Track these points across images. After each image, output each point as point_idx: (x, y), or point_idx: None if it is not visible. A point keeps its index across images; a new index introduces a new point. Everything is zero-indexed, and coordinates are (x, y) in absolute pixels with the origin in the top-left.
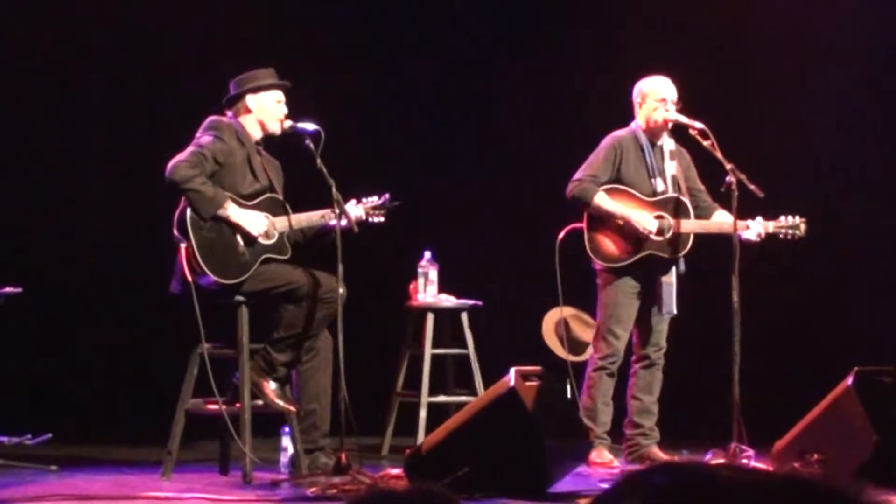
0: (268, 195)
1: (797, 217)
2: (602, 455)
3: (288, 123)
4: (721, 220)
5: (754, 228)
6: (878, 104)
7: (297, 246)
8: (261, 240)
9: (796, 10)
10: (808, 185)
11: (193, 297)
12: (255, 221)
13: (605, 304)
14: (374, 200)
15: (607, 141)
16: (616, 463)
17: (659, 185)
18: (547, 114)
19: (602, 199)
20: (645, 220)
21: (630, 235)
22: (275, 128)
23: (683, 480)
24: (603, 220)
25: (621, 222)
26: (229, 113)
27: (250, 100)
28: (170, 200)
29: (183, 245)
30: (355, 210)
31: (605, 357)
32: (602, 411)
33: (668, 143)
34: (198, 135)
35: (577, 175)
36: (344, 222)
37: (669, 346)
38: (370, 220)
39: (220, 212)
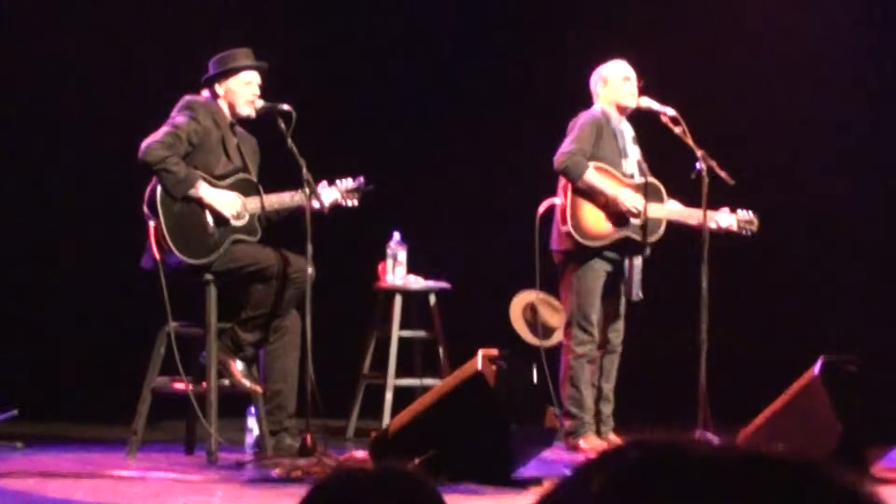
0: (240, 176)
1: (750, 212)
2: (591, 441)
3: (260, 103)
4: (676, 207)
5: (725, 220)
6: (844, 93)
7: (270, 225)
8: (232, 220)
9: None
10: (778, 174)
11: (161, 276)
12: (227, 201)
13: (577, 290)
14: (349, 183)
15: (587, 117)
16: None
17: (627, 168)
18: (518, 95)
19: (592, 175)
20: (633, 199)
21: (611, 215)
22: (245, 111)
23: (654, 457)
24: (587, 197)
25: (605, 200)
26: (205, 92)
27: (219, 84)
28: (142, 176)
29: (152, 223)
30: (330, 193)
31: (582, 344)
32: (587, 396)
33: (628, 128)
34: (172, 114)
35: (567, 148)
36: (315, 204)
37: (636, 332)
38: (345, 203)
39: (192, 192)
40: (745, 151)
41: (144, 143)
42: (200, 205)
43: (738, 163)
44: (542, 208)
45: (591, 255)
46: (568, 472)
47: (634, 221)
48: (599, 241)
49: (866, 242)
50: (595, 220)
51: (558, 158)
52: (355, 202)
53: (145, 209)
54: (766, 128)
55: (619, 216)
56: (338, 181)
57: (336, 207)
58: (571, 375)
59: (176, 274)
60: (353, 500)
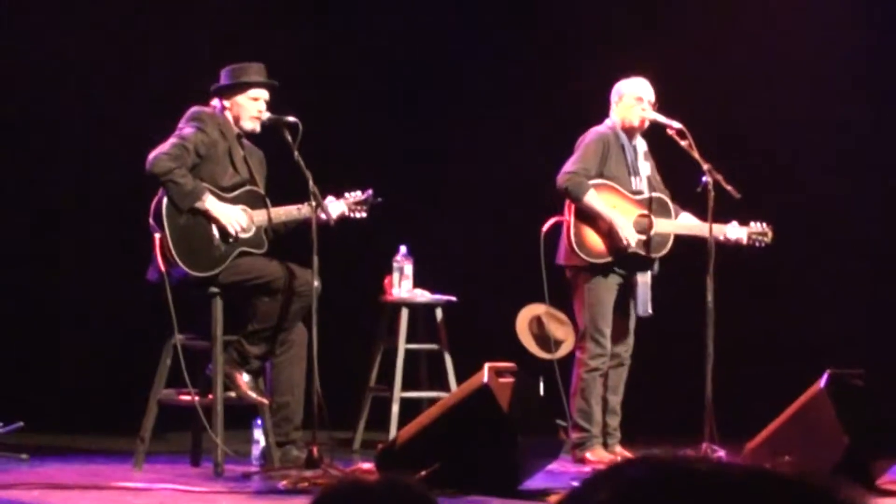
0: (247, 188)
1: (764, 224)
2: (598, 454)
3: (267, 115)
4: (690, 221)
5: (734, 232)
6: (844, 93)
7: (277, 238)
8: (239, 234)
9: (774, 12)
10: (783, 186)
11: (167, 288)
12: (233, 215)
13: (589, 303)
14: (357, 196)
15: (594, 135)
16: (619, 459)
17: (637, 184)
18: (525, 108)
19: (592, 198)
20: (627, 230)
21: (613, 236)
22: (249, 126)
23: (659, 473)
24: (589, 216)
25: (605, 223)
26: (214, 102)
27: (227, 97)
28: (149, 188)
29: (157, 235)
30: (337, 206)
31: (595, 357)
32: (596, 411)
33: (641, 143)
34: (180, 125)
35: (570, 167)
36: (322, 216)
37: (643, 345)
38: (352, 215)
39: (199, 204)
40: (746, 152)
41: (152, 155)
42: (206, 217)
43: (739, 163)
44: (546, 227)
45: (600, 269)
46: (575, 485)
47: (640, 236)
48: (603, 258)
49: (871, 247)
50: (597, 240)
51: (560, 178)
52: (363, 214)
53: (151, 222)
54: (766, 128)
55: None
56: (346, 194)
57: (343, 220)
58: (583, 388)
59: (181, 286)
60: None
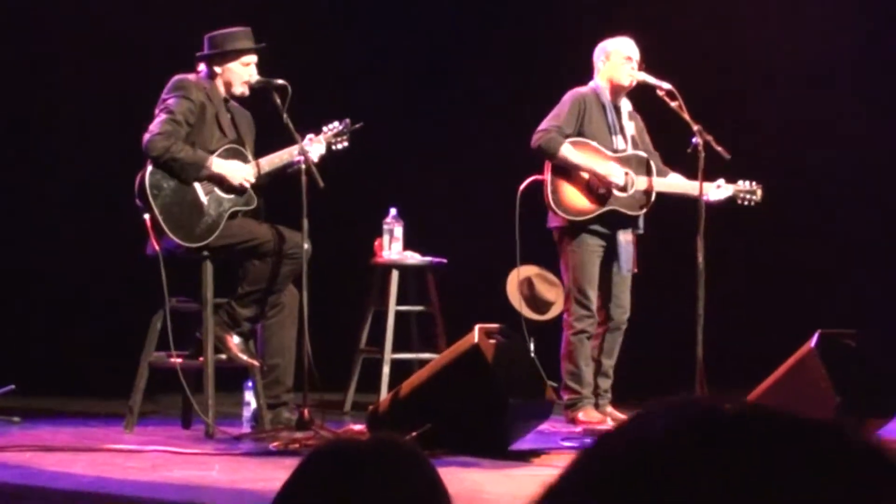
0: (227, 146)
1: (754, 182)
2: (590, 414)
3: (255, 78)
4: (678, 181)
5: (717, 193)
6: (844, 64)
7: (265, 195)
8: (245, 184)
9: None
10: (776, 146)
11: (161, 265)
12: (239, 170)
13: (572, 265)
14: (335, 127)
15: (571, 95)
16: (609, 421)
17: (619, 144)
18: (513, 70)
19: (568, 151)
20: (613, 172)
21: (594, 189)
22: (240, 90)
23: (682, 419)
24: (567, 173)
25: (587, 175)
26: (201, 67)
27: (217, 64)
28: (141, 156)
29: (147, 216)
30: (318, 146)
31: (581, 319)
32: (586, 372)
33: (626, 104)
34: (163, 96)
35: (543, 126)
36: (313, 153)
37: (633, 305)
38: (334, 147)
39: (204, 172)
40: (744, 123)
41: (146, 139)
42: (191, 187)
43: (736, 134)
44: (522, 186)
45: (582, 230)
46: (588, 442)
47: (620, 194)
48: (583, 216)
49: (864, 214)
50: (576, 197)
51: (534, 137)
52: (345, 144)
53: (137, 203)
54: (764, 99)
55: (600, 191)
56: (324, 127)
57: (328, 154)
58: (571, 351)
59: (176, 256)
60: (347, 468)
